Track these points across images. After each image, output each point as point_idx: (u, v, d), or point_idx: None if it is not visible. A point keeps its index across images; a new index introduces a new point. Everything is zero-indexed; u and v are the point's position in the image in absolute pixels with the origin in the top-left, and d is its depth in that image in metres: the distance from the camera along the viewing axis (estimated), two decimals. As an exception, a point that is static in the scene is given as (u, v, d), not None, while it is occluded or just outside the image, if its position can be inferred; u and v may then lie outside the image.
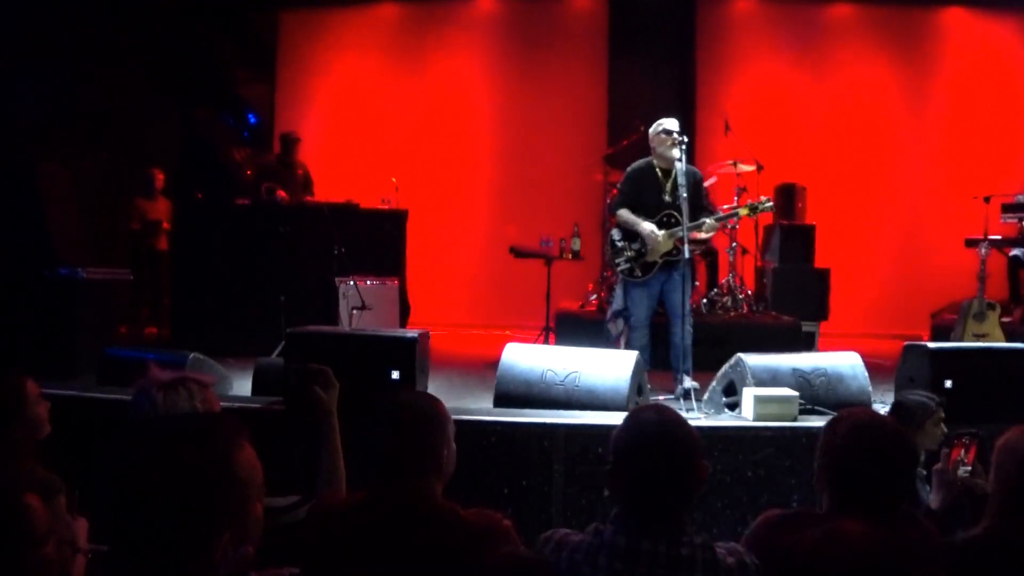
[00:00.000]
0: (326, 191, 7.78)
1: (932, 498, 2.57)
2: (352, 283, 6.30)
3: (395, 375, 4.00)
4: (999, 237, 7.87)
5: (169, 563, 1.31)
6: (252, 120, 9.87)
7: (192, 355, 4.43)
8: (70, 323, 5.30)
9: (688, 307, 5.32)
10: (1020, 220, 7.96)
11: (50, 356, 5.18)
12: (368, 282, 6.46)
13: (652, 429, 1.93)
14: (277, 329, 4.74)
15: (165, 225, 8.20)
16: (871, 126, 9.99)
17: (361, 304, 6.24)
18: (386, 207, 7.42)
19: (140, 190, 8.37)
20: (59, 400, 4.35)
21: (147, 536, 1.32)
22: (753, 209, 5.42)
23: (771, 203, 5.44)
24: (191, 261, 6.94)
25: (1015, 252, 8.06)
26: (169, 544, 1.31)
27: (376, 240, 7.15)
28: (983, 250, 6.78)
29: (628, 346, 5.33)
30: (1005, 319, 6.79)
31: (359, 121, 9.92)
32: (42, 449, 2.59)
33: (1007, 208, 7.86)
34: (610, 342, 5.66)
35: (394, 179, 7.77)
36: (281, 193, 7.23)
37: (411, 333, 4.21)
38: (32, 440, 2.52)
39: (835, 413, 2.27)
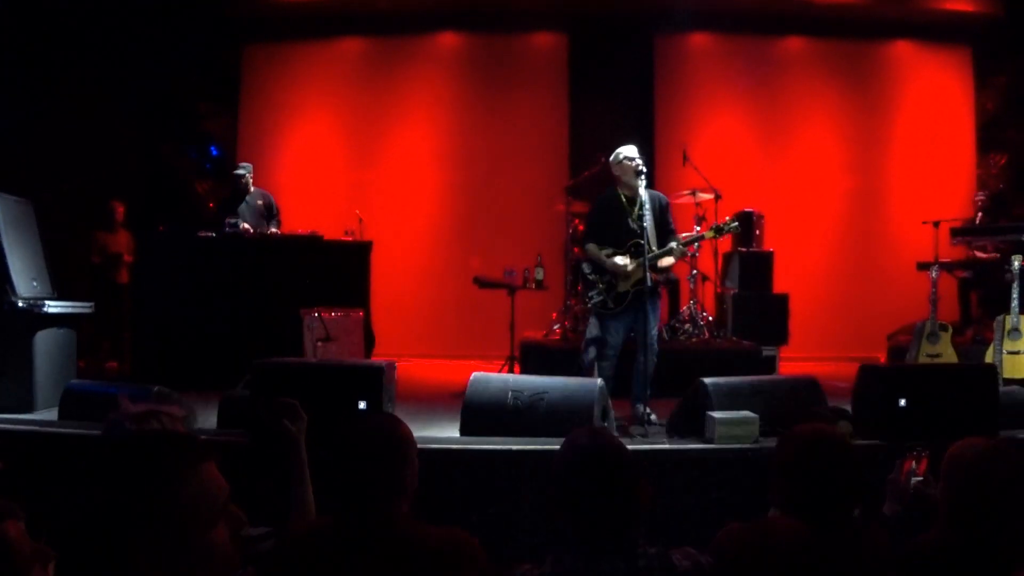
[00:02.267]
0: (291, 223, 7.80)
1: (886, 505, 2.67)
2: (317, 315, 6.29)
3: (362, 405, 4.01)
4: (949, 260, 8.15)
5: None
6: (215, 153, 9.87)
7: (156, 388, 4.40)
8: (30, 357, 5.23)
9: (655, 336, 5.37)
10: (968, 244, 8.24)
11: (9, 389, 5.12)
12: (333, 313, 6.46)
13: (588, 450, 1.98)
14: (240, 362, 4.71)
15: (126, 258, 8.15)
16: (824, 154, 10.29)
17: (326, 335, 6.23)
18: (350, 239, 7.44)
19: (100, 223, 8.32)
20: (18, 435, 4.32)
21: (85, 554, 1.32)
22: (718, 231, 5.46)
23: (736, 223, 5.51)
24: (153, 294, 6.88)
25: (964, 275, 8.33)
26: (122, 563, 1.31)
27: (340, 272, 7.15)
28: (934, 273, 7.00)
29: (600, 374, 5.35)
30: (957, 339, 6.98)
31: (323, 153, 9.97)
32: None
33: (955, 232, 8.14)
34: (583, 371, 5.70)
35: (357, 211, 7.81)
36: (245, 226, 7.22)
37: (377, 363, 4.22)
38: None
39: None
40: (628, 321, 5.40)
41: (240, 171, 7.56)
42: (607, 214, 5.46)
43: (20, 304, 5.20)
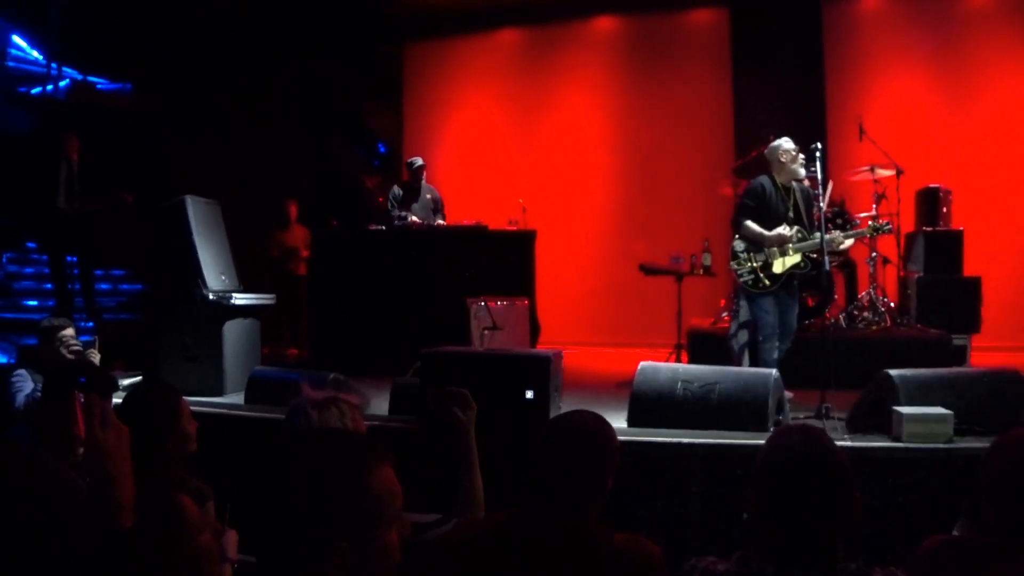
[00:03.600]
0: (456, 214, 7.99)
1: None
2: (483, 303, 6.39)
3: (529, 395, 4.03)
4: None
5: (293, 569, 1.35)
6: (381, 149, 10.25)
7: (332, 375, 4.60)
8: (220, 345, 5.61)
9: (795, 325, 5.43)
10: None
11: (202, 375, 5.52)
12: (498, 302, 6.55)
13: (800, 454, 1.84)
14: (410, 350, 4.85)
15: (303, 252, 8.61)
16: (1018, 121, 9.32)
17: (492, 324, 6.32)
18: (514, 228, 7.53)
19: (277, 221, 8.85)
20: (210, 417, 4.64)
21: (275, 543, 1.37)
22: (875, 230, 5.55)
23: (891, 226, 5.65)
24: (328, 285, 7.25)
25: None
26: (292, 551, 1.35)
27: (505, 261, 7.26)
28: None
29: (757, 357, 5.33)
30: None
31: (485, 145, 10.13)
32: (193, 463, 2.75)
33: None
34: (733, 358, 5.57)
35: (521, 200, 7.86)
36: (413, 218, 7.45)
37: (545, 352, 4.23)
38: (183, 454, 2.68)
39: (994, 434, 2.11)
40: (781, 303, 5.37)
41: (417, 162, 7.80)
42: (764, 199, 5.44)
43: (211, 297, 5.60)
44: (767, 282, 5.31)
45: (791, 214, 5.36)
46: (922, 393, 4.13)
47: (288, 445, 1.53)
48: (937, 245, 7.72)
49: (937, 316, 7.24)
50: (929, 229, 7.75)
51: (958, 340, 6.96)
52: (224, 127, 8.95)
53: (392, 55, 10.51)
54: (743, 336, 5.63)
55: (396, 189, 7.86)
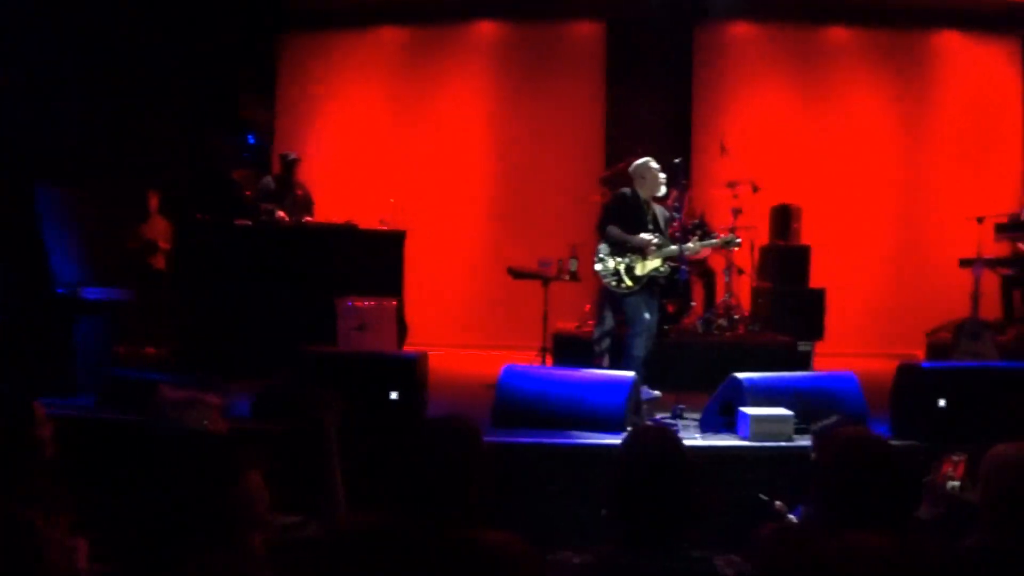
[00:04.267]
0: (326, 212, 7.85)
1: (922, 509, 2.63)
2: (351, 303, 6.34)
3: (394, 396, 4.04)
4: (993, 257, 7.97)
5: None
6: (251, 141, 9.94)
7: (196, 375, 4.46)
8: (70, 342, 5.32)
9: (655, 329, 5.74)
10: (1013, 240, 8.05)
11: (51, 376, 5.21)
12: (366, 302, 6.50)
13: (652, 453, 1.99)
14: (277, 349, 4.76)
15: (162, 245, 8.26)
16: (866, 147, 10.08)
17: (359, 324, 6.28)
18: (385, 228, 7.48)
19: (136, 211, 8.44)
20: (59, 420, 4.40)
21: (140, 551, 1.34)
22: (727, 243, 6.12)
23: (739, 242, 6.25)
24: (192, 281, 6.99)
25: (1008, 272, 8.14)
26: (156, 558, 1.33)
27: (375, 261, 7.20)
28: (977, 270, 6.86)
29: (627, 353, 5.56)
30: (999, 338, 6.84)
31: (360, 143, 10.00)
32: (47, 469, 2.62)
33: (1000, 228, 7.95)
34: (594, 360, 5.78)
35: (392, 200, 7.82)
36: (281, 214, 7.29)
37: (411, 354, 4.25)
38: (39, 460, 2.55)
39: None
40: (649, 300, 5.70)
41: (291, 156, 7.64)
42: (628, 209, 5.81)
43: (60, 290, 5.29)
44: (629, 283, 5.62)
45: (650, 226, 5.75)
46: (767, 396, 4.41)
47: (153, 450, 1.50)
48: (787, 258, 8.25)
49: (785, 324, 7.71)
50: (781, 243, 8.25)
51: (803, 346, 7.44)
52: (86, 111, 8.47)
53: (268, 45, 10.20)
54: (606, 342, 5.83)
55: (267, 182, 7.67)
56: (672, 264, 5.64)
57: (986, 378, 4.44)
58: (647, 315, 5.64)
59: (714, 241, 6.20)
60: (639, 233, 5.69)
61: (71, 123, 8.09)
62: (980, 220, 7.71)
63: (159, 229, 8.38)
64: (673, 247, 5.63)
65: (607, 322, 5.89)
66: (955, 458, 2.63)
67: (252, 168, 9.37)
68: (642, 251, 5.64)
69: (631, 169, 5.98)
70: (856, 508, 2.08)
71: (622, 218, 5.80)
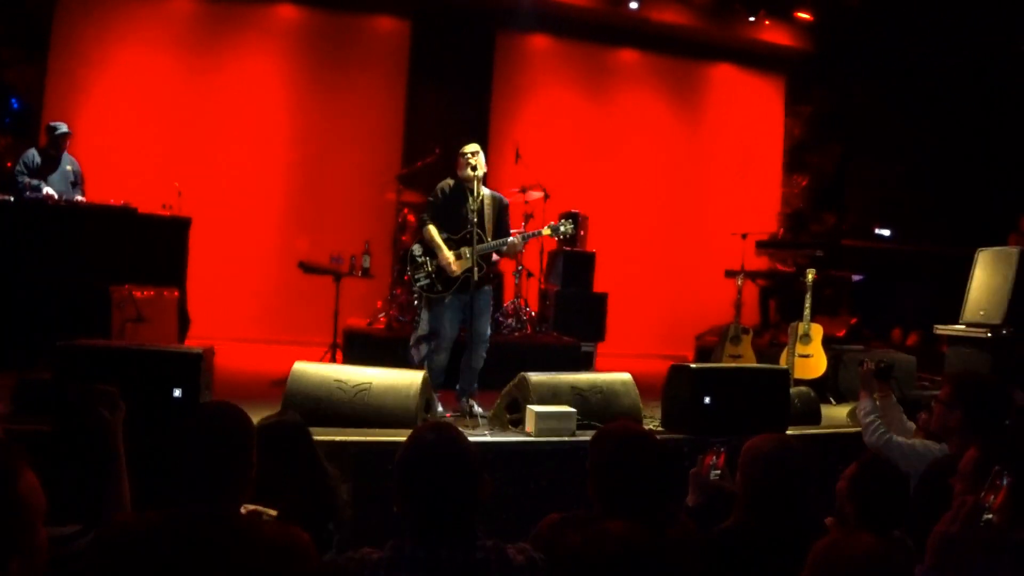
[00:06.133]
0: (100, 191, 7.23)
1: (689, 497, 2.88)
2: (128, 292, 5.91)
3: (177, 393, 3.82)
4: (753, 270, 8.84)
5: None
6: (15, 105, 8.99)
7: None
8: None
9: (485, 331, 5.41)
10: (771, 256, 8.97)
11: None
12: (145, 292, 6.09)
13: (433, 446, 2.06)
14: (39, 341, 4.35)
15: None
16: (647, 163, 10.84)
17: (137, 315, 5.87)
18: (167, 213, 7.02)
19: None
20: None
21: None
22: (554, 230, 5.58)
23: (572, 225, 5.64)
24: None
25: (765, 283, 9.06)
26: None
27: (155, 248, 6.73)
28: (739, 281, 7.58)
29: (429, 367, 5.29)
30: (757, 342, 7.56)
31: (141, 119, 9.29)
32: None
33: (760, 244, 8.85)
34: (412, 367, 5.66)
35: (177, 184, 7.37)
36: (49, 191, 6.68)
37: (196, 349, 4.03)
38: None
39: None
40: (458, 311, 5.38)
41: (62, 128, 6.96)
42: (448, 198, 5.47)
43: None
44: (440, 287, 5.35)
45: (473, 216, 5.27)
46: (552, 393, 4.61)
47: None
48: (574, 263, 8.66)
49: (571, 326, 8.10)
50: (568, 249, 8.64)
51: (587, 347, 7.86)
52: None
53: (40, 1, 9.20)
54: (424, 348, 5.63)
55: (31, 154, 6.96)
56: (489, 262, 5.38)
57: (745, 377, 4.90)
58: (448, 330, 5.34)
59: (542, 231, 5.64)
60: (459, 225, 5.36)
61: None
62: (744, 236, 8.50)
63: None
64: (491, 243, 5.32)
65: (423, 325, 5.62)
66: (717, 449, 2.89)
67: (15, 136, 8.48)
68: (454, 252, 5.33)
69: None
70: (624, 497, 2.29)
71: (441, 208, 5.46)
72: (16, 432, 3.59)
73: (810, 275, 6.52)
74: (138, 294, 6.01)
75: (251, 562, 1.91)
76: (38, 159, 6.94)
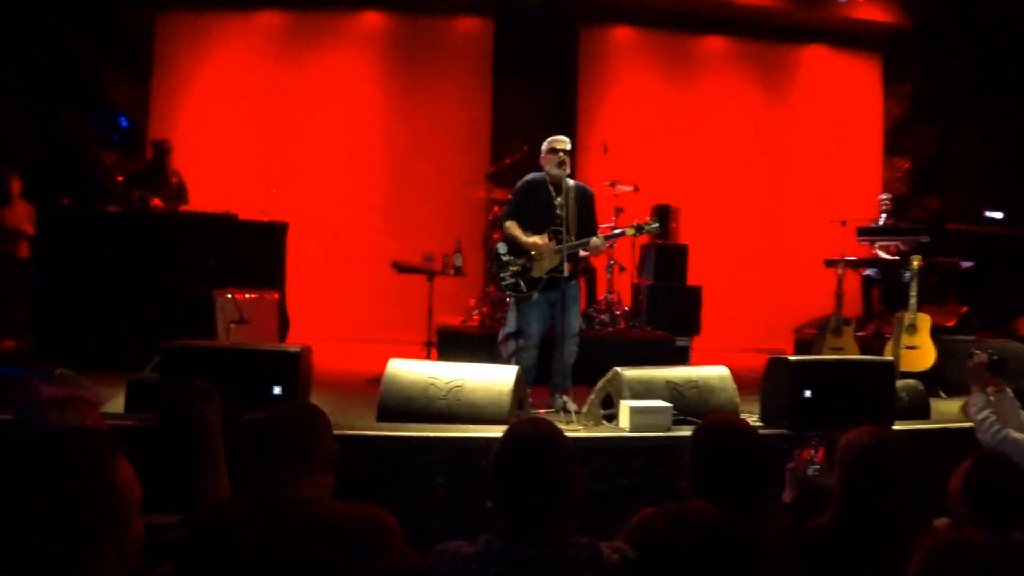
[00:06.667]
0: (203, 200, 7.54)
1: (785, 493, 2.78)
2: (230, 296, 6.13)
3: (277, 390, 3.93)
4: (854, 258, 8.49)
5: None
6: (124, 123, 9.46)
7: (58, 371, 4.21)
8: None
9: (575, 326, 5.33)
10: (873, 243, 8.60)
11: None
12: (247, 295, 6.31)
13: (528, 441, 2.04)
14: (149, 343, 4.56)
15: (27, 230, 7.76)
16: (740, 151, 10.56)
17: (239, 317, 6.08)
18: (265, 218, 7.27)
19: (-3, 196, 7.91)
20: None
21: (26, 557, 1.28)
22: (639, 229, 5.47)
23: (657, 224, 5.52)
24: (55, 270, 6.58)
25: (868, 272, 8.70)
26: (49, 564, 1.28)
27: (255, 252, 6.99)
28: (840, 270, 7.29)
29: (520, 364, 5.22)
30: (859, 334, 7.28)
31: (239, 129, 9.65)
32: None
33: (862, 232, 8.48)
34: (502, 363, 5.66)
35: (274, 190, 7.62)
36: (156, 201, 6.99)
37: (293, 347, 4.14)
38: None
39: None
40: (545, 310, 5.34)
41: (166, 144, 7.30)
42: (531, 196, 5.38)
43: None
44: (524, 287, 5.29)
45: (558, 212, 5.18)
46: (646, 389, 4.55)
47: (24, 447, 1.42)
48: (666, 257, 8.52)
49: (664, 320, 7.97)
50: (660, 242, 8.51)
51: (681, 341, 7.71)
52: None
53: (142, 22, 9.68)
54: (512, 345, 5.62)
55: (139, 168, 7.33)
56: (577, 259, 5.25)
57: (847, 370, 4.72)
58: (536, 329, 5.29)
59: (626, 230, 5.57)
60: (544, 221, 5.26)
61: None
62: (843, 223, 8.19)
63: (22, 214, 7.86)
64: (574, 243, 5.15)
65: (511, 323, 5.58)
66: (815, 444, 2.79)
67: (124, 151, 8.93)
68: (531, 258, 5.24)
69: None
70: (720, 487, 2.22)
71: (523, 208, 5.36)
72: (124, 428, 3.77)
73: (915, 262, 6.24)
74: (240, 297, 6.23)
75: (331, 539, 1.97)
76: (145, 173, 7.27)
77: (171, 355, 4.05)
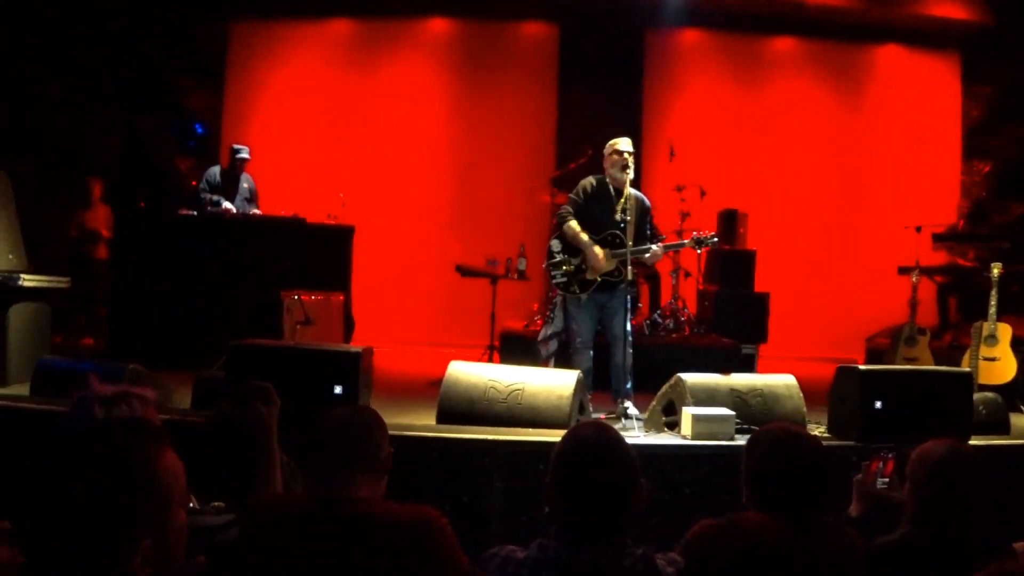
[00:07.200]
0: (272, 204, 7.73)
1: (852, 507, 2.68)
2: (297, 297, 6.25)
3: (338, 390, 3.98)
4: (930, 265, 8.18)
5: (87, 570, 1.30)
6: (199, 130, 9.76)
7: (130, 367, 4.35)
8: (3, 330, 5.16)
9: (629, 330, 5.21)
10: (949, 249, 8.28)
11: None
12: (313, 297, 6.42)
13: (591, 445, 1.98)
14: (218, 342, 4.67)
15: (104, 233, 8.06)
16: (809, 155, 10.31)
17: (305, 319, 6.19)
18: (332, 222, 7.39)
19: (78, 198, 8.23)
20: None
21: (65, 543, 1.31)
22: (698, 243, 5.39)
23: (716, 239, 5.47)
24: (131, 271, 6.83)
25: (944, 280, 8.38)
26: (89, 552, 1.30)
27: (322, 255, 7.13)
28: (914, 278, 7.05)
29: (576, 367, 5.14)
30: (934, 344, 7.03)
31: (308, 135, 9.88)
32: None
33: (937, 238, 8.19)
34: (540, 363, 5.63)
35: (341, 194, 7.74)
36: (228, 205, 7.17)
37: (355, 348, 4.19)
38: None
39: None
40: (595, 312, 5.27)
41: (243, 153, 7.49)
42: (594, 198, 5.30)
43: (-6, 277, 5.13)
44: (577, 288, 5.24)
45: (617, 217, 5.12)
46: (709, 396, 4.46)
47: (68, 442, 1.45)
48: (733, 262, 8.37)
49: (730, 327, 7.82)
50: (726, 247, 8.37)
51: (747, 349, 7.54)
52: (20, 92, 8.20)
53: (216, 33, 10.00)
54: (553, 344, 5.61)
55: (213, 173, 7.51)
56: (633, 266, 5.12)
57: (921, 381, 4.55)
58: (587, 330, 5.21)
59: (685, 242, 5.51)
60: (602, 226, 5.19)
61: (5, 104, 7.84)
62: (918, 229, 7.91)
63: (101, 217, 8.18)
64: (626, 249, 5.01)
65: (556, 322, 5.57)
66: (884, 456, 2.68)
67: (199, 157, 9.20)
68: (588, 258, 5.17)
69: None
70: (776, 499, 2.15)
71: (584, 208, 5.26)
72: (190, 423, 3.87)
73: (995, 270, 5.99)
74: (306, 298, 6.35)
75: (383, 539, 1.98)
76: (218, 177, 7.47)
77: (237, 353, 4.14)
